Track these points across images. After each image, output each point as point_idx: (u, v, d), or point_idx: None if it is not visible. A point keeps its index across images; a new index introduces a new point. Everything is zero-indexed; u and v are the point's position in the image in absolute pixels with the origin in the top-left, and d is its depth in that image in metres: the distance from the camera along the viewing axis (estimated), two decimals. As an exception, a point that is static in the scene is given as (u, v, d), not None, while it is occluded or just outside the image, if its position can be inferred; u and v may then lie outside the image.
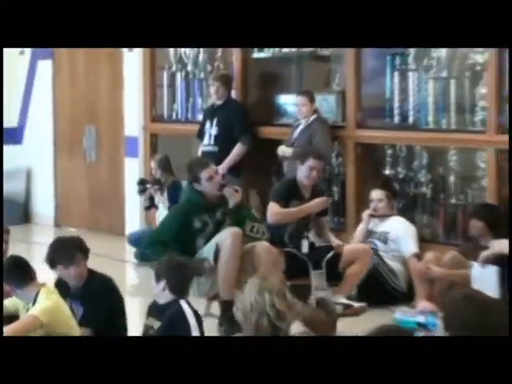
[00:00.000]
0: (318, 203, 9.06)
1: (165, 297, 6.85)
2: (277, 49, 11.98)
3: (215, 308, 8.48)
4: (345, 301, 8.68)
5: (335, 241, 9.17)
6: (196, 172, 8.47)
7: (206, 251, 8.20)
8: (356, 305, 8.83)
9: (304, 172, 9.07)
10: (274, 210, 8.89)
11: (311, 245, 8.85)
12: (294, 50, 11.83)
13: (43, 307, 6.59)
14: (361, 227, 10.28)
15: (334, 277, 8.75)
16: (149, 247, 8.60)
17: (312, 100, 11.02)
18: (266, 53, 12.22)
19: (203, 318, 7.15)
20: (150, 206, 12.55)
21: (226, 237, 8.16)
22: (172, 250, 8.02)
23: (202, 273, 8.03)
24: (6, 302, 7.04)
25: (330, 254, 8.73)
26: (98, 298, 7.16)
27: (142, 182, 12.65)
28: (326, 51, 11.70)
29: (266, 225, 8.88)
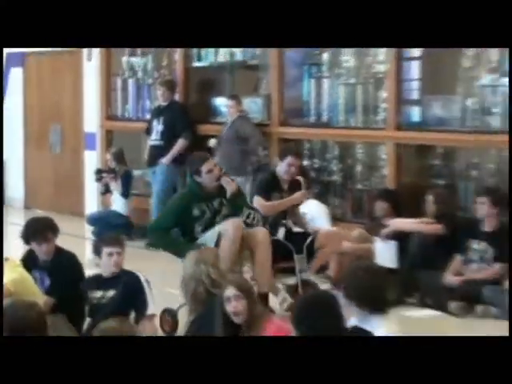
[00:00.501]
0: (298, 196, 8.69)
1: (115, 270, 6.84)
2: (213, 58, 12.04)
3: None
4: (312, 280, 8.41)
5: (312, 227, 8.80)
6: (197, 165, 7.96)
7: (207, 238, 7.74)
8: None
9: (283, 168, 8.64)
10: (260, 203, 8.46)
11: (290, 232, 8.48)
12: (227, 59, 11.89)
13: (10, 278, 6.54)
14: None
15: (312, 258, 8.37)
16: (152, 233, 8.23)
17: (239, 102, 11.09)
18: (204, 62, 12.23)
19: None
20: (106, 191, 12.47)
21: (228, 227, 7.63)
22: (172, 235, 7.84)
23: None
24: None
25: (309, 240, 8.32)
26: (64, 271, 7.15)
27: (98, 172, 12.60)
28: (254, 61, 11.75)
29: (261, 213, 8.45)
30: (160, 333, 7.04)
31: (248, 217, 7.95)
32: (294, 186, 8.78)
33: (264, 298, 7.52)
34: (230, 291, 5.71)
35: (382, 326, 5.25)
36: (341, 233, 8.74)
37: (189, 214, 7.77)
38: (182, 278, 6.43)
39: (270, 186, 8.62)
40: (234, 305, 5.66)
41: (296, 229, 8.66)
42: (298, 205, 8.94)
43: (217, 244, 7.60)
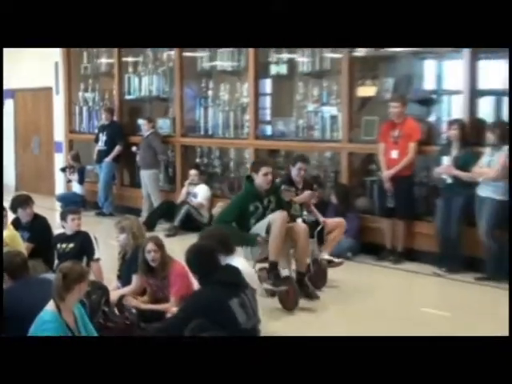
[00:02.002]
0: (307, 195, 7.32)
1: (76, 229, 6.79)
2: (138, 93, 11.89)
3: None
4: (329, 257, 7.18)
5: (321, 217, 7.30)
6: (258, 166, 6.69)
7: (259, 228, 6.49)
8: (336, 260, 7.26)
9: (295, 172, 7.36)
10: None
11: (304, 221, 7.04)
12: (147, 94, 11.79)
13: (7, 234, 6.48)
14: (184, 190, 10.33)
15: (321, 241, 7.11)
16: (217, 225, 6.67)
17: (150, 122, 11.00)
18: (132, 96, 12.02)
19: (255, 272, 6.46)
20: (69, 180, 12.35)
21: (277, 217, 6.34)
22: (233, 226, 6.52)
23: (256, 244, 6.47)
24: None
25: (319, 228, 7.07)
26: (39, 227, 7.09)
27: (63, 167, 12.52)
28: (164, 95, 11.65)
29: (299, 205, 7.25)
30: (103, 277, 6.63)
31: (295, 209, 7.02)
32: (306, 184, 7.53)
33: (302, 275, 6.61)
34: (150, 245, 5.76)
35: (236, 262, 5.34)
36: (343, 221, 7.41)
37: (246, 210, 6.54)
38: (127, 235, 6.30)
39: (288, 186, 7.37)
40: (152, 255, 5.73)
41: (310, 217, 7.33)
42: (310, 200, 7.50)
43: (267, 231, 6.41)
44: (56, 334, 4.02)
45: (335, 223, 7.34)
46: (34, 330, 4.11)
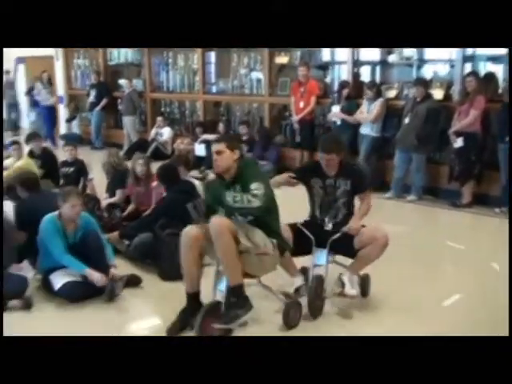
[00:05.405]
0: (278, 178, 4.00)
1: (71, 158, 6.55)
2: (118, 60, 11.34)
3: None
4: (348, 289, 3.78)
5: (354, 222, 3.77)
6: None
7: None
8: (350, 293, 3.79)
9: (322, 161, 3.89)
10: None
11: (321, 226, 3.89)
12: (125, 61, 11.25)
13: (26, 161, 6.20)
14: (153, 131, 10.01)
15: (349, 254, 3.81)
16: None
17: (130, 81, 10.54)
18: (114, 62, 11.46)
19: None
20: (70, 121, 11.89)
21: (214, 224, 3.27)
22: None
23: None
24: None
25: (336, 236, 3.71)
26: (47, 157, 6.76)
27: (68, 118, 12.09)
28: (137, 62, 11.09)
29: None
30: (96, 191, 6.31)
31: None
32: (343, 172, 3.90)
33: (231, 292, 3.34)
34: (140, 161, 5.58)
35: (192, 179, 5.31)
36: (384, 236, 3.69)
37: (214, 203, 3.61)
38: (102, 163, 6.16)
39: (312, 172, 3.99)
40: (140, 168, 5.55)
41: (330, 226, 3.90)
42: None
43: None
44: (51, 231, 4.00)
45: (373, 236, 3.71)
46: (40, 226, 4.06)
